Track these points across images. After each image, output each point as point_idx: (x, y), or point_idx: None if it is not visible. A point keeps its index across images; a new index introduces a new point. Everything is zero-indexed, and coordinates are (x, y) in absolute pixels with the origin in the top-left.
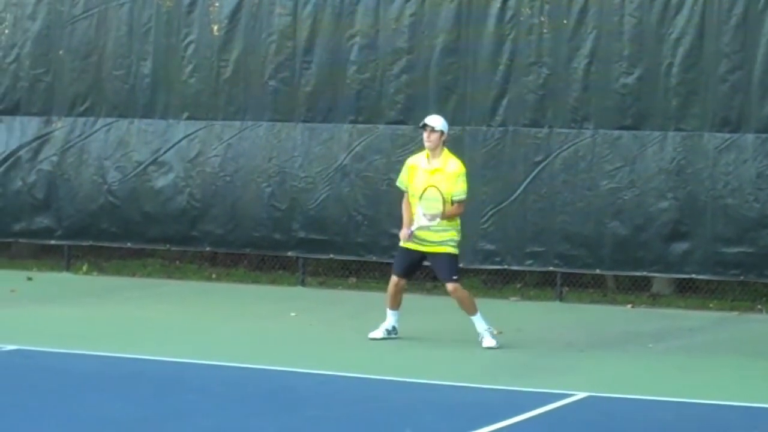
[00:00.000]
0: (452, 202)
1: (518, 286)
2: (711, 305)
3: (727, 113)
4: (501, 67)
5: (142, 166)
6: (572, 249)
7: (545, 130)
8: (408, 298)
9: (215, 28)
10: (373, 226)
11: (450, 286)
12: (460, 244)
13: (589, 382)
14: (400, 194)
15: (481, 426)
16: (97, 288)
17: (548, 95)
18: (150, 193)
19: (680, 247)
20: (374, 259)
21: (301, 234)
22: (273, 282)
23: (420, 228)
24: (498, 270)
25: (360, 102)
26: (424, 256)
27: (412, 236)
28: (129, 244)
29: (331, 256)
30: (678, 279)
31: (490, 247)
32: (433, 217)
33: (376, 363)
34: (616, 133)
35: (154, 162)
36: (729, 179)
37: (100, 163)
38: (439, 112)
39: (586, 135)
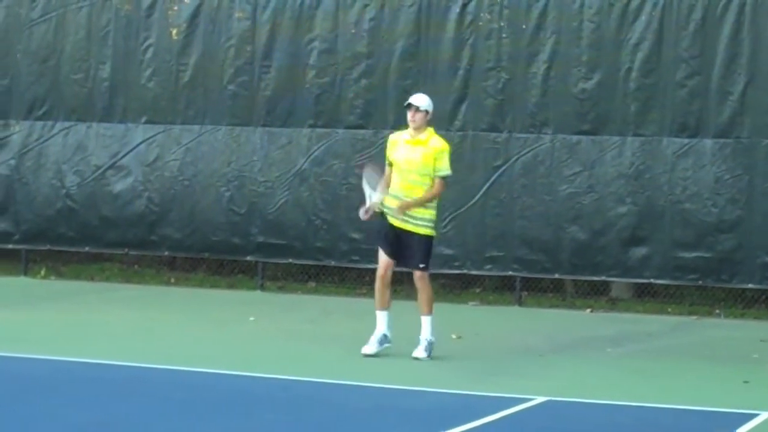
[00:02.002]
0: (433, 179)
1: (477, 290)
2: (669, 310)
3: (686, 118)
4: (460, 72)
5: (101, 170)
6: (531, 253)
7: (504, 134)
8: (365, 302)
9: (174, 32)
10: (333, 231)
11: (417, 273)
12: (436, 226)
13: (548, 387)
14: (359, 200)
15: (439, 431)
16: (55, 292)
17: (507, 100)
18: (108, 197)
19: (639, 251)
20: (333, 263)
21: (260, 238)
22: (232, 286)
23: (388, 201)
24: (457, 275)
25: (319, 106)
26: (400, 236)
27: (372, 209)
28: (87, 249)
29: (290, 260)
30: (637, 283)
31: (449, 251)
32: (407, 204)
33: (333, 367)
34: (575, 138)
35: (112, 166)
36: (687, 184)
37: (58, 167)
38: (398, 117)
39: (545, 140)
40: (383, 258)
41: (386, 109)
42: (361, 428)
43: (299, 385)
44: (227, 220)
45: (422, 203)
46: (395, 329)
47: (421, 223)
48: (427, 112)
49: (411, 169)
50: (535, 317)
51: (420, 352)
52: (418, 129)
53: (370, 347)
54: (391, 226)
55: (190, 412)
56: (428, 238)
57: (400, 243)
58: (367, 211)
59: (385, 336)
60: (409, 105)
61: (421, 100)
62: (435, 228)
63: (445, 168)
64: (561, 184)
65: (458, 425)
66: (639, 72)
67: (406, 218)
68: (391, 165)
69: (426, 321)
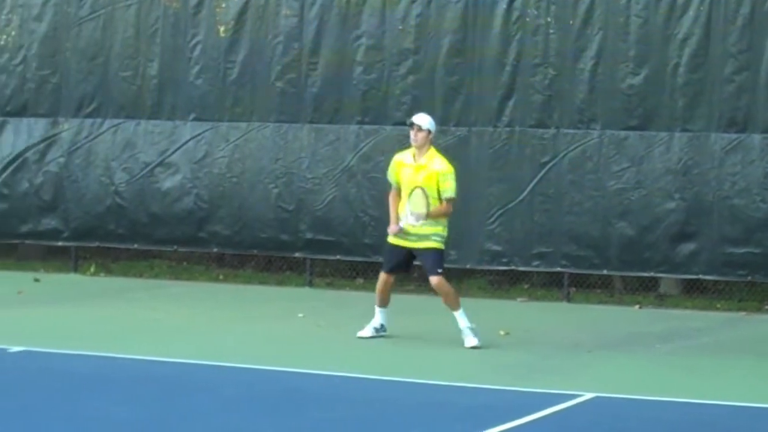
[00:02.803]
0: (440, 200)
1: (525, 286)
2: (718, 306)
3: (734, 114)
4: (507, 68)
5: (149, 168)
6: (579, 250)
7: (552, 130)
8: (412, 299)
9: (222, 29)
10: (380, 227)
11: (434, 279)
12: (447, 240)
13: (597, 383)
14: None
15: (489, 427)
16: (104, 289)
17: (555, 96)
18: (157, 195)
19: (687, 247)
20: (381, 259)
21: (309, 235)
22: (280, 283)
23: (407, 224)
24: (505, 271)
25: (366, 103)
26: (411, 252)
27: (400, 231)
28: (136, 246)
29: (339, 257)
30: (685, 279)
31: (497, 248)
32: (418, 217)
33: (383, 364)
34: (623, 133)
35: (161, 163)
36: (736, 180)
37: (107, 165)
38: (446, 112)
39: (592, 135)
40: (383, 275)
41: (433, 105)
42: (410, 425)
43: (348, 381)
44: (275, 216)
45: (434, 216)
46: (440, 327)
47: (428, 238)
48: (429, 131)
49: (417, 195)
50: (584, 313)
51: (469, 341)
52: (420, 148)
53: (366, 331)
54: (402, 248)
55: (240, 409)
56: (437, 250)
57: (409, 257)
58: (397, 230)
59: (382, 325)
60: (412, 124)
61: (423, 119)
62: (444, 243)
63: (449, 190)
64: (609, 180)
65: (507, 421)
66: (687, 67)
67: (413, 238)
68: (394, 183)
69: (458, 315)
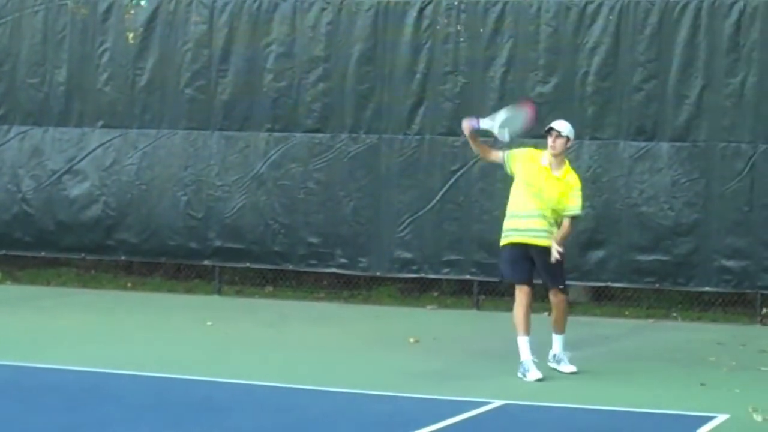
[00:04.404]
0: (562, 217)
1: (435, 294)
2: (627, 313)
3: (642, 122)
4: (418, 76)
5: (57, 175)
6: (489, 257)
7: (462, 138)
8: (323, 307)
9: (130, 36)
10: (290, 235)
11: (561, 295)
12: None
13: (506, 390)
14: (318, 203)
15: None
16: (11, 297)
17: (465, 104)
18: (65, 202)
19: (596, 255)
20: (291, 267)
21: (218, 243)
22: (189, 291)
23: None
24: (415, 278)
25: (276, 110)
26: (528, 252)
27: (478, 125)
28: (43, 253)
29: (248, 264)
30: (594, 287)
31: (407, 255)
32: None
33: (293, 372)
34: (532, 141)
35: (69, 170)
36: (644, 187)
37: (14, 172)
38: (356, 120)
39: (503, 144)
40: (523, 288)
41: (343, 113)
42: None
43: (258, 389)
44: (184, 224)
45: (561, 239)
46: (350, 335)
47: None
48: (568, 138)
49: (543, 197)
50: (493, 321)
51: (569, 367)
52: (557, 156)
53: (534, 373)
54: (523, 246)
55: (149, 418)
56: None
57: (530, 259)
58: (471, 128)
59: (533, 361)
60: (551, 129)
61: (563, 126)
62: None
63: (577, 207)
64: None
65: (416, 429)
66: (596, 76)
67: (535, 234)
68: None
69: (557, 339)
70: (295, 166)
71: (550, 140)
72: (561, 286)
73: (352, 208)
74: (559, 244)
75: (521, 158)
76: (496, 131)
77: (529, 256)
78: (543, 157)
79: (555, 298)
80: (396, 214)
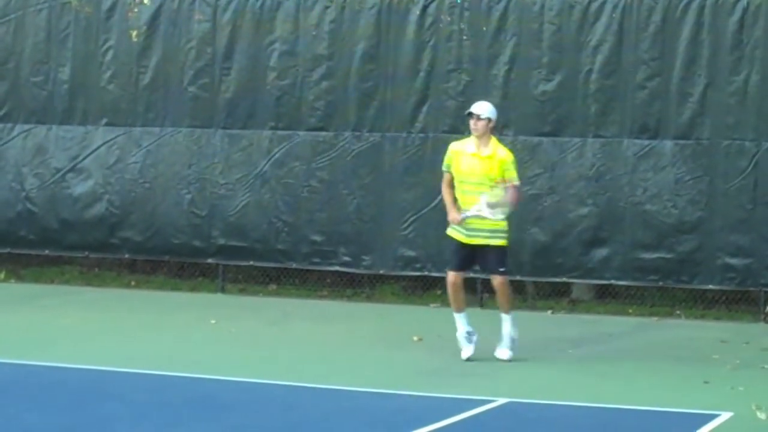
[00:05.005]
0: (504, 188)
1: (439, 292)
2: (630, 311)
3: (646, 120)
4: (421, 74)
5: (61, 173)
6: None
7: (465, 136)
8: (326, 305)
9: (134, 34)
10: (294, 233)
11: (499, 278)
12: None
13: (510, 388)
14: (321, 202)
15: None
16: (14, 295)
17: (468, 102)
18: (68, 200)
19: (600, 253)
20: (294, 265)
21: (221, 241)
22: (193, 289)
23: (475, 216)
24: (418, 276)
25: (280, 108)
26: (475, 250)
27: (463, 222)
28: (47, 251)
29: (251, 262)
30: (597, 285)
31: (410, 253)
32: (494, 206)
33: (297, 370)
34: (536, 139)
35: (72, 169)
36: (648, 185)
37: (18, 170)
38: (359, 118)
39: (505, 141)
40: (453, 273)
41: (347, 111)
42: (325, 431)
43: (262, 387)
44: (188, 222)
45: (511, 204)
46: (354, 333)
47: (495, 236)
48: (489, 119)
49: (474, 181)
50: (497, 319)
51: (502, 353)
52: (481, 137)
53: (468, 350)
54: (467, 245)
55: (152, 416)
56: (505, 248)
57: (475, 256)
58: (461, 220)
59: (468, 333)
60: (470, 114)
61: (482, 108)
62: (508, 238)
63: (515, 178)
64: (522, 186)
65: (420, 427)
66: (599, 74)
67: (479, 234)
68: (448, 170)
69: (505, 320)
70: (299, 165)
71: (471, 123)
72: (501, 271)
73: (355, 206)
74: (500, 205)
75: (452, 158)
76: (485, 213)
77: (470, 249)
78: (468, 144)
79: (495, 281)
80: (399, 212)
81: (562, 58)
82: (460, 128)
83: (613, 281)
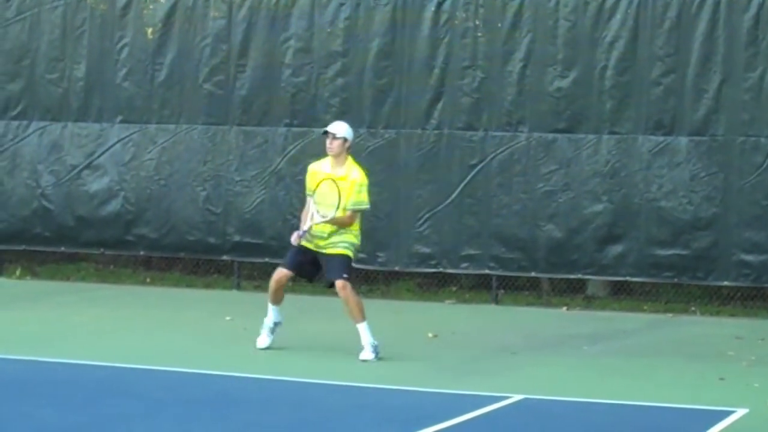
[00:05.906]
0: (346, 210)
1: (454, 289)
2: (645, 307)
3: (661, 116)
4: (436, 71)
5: (76, 170)
6: (508, 252)
7: (480, 133)
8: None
9: (149, 31)
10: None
11: (339, 283)
12: (358, 250)
13: (525, 385)
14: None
15: (417, 429)
16: (30, 292)
17: (483, 98)
18: (84, 197)
19: (615, 249)
20: None
21: (236, 238)
22: (208, 286)
23: (313, 225)
24: (434, 273)
25: (295, 105)
26: (317, 259)
27: (304, 236)
28: (63, 249)
29: (267, 259)
30: (612, 281)
31: (425, 250)
32: (324, 216)
33: (311, 367)
34: (551, 136)
35: (88, 166)
36: (663, 182)
37: (33, 167)
38: (375, 115)
39: (521, 138)
40: (281, 270)
41: (362, 108)
42: (339, 427)
43: (277, 384)
44: (203, 219)
45: (336, 223)
46: (375, 329)
47: (337, 245)
48: (345, 139)
49: (328, 201)
50: (512, 315)
51: (366, 354)
52: (337, 157)
53: (263, 338)
54: (307, 250)
55: (167, 413)
56: (345, 256)
57: (315, 263)
58: (299, 236)
59: (275, 324)
60: (326, 132)
61: (339, 128)
62: (355, 252)
63: (361, 202)
64: (537, 183)
65: (435, 424)
66: (614, 70)
67: (322, 243)
68: (311, 195)
69: (361, 328)
70: (314, 161)
71: (327, 143)
72: (343, 277)
73: (370, 203)
74: (329, 223)
75: (308, 178)
76: (316, 219)
77: (313, 257)
78: (324, 163)
79: (337, 287)
80: (414, 208)
81: (577, 55)
82: (475, 125)
83: (628, 278)
